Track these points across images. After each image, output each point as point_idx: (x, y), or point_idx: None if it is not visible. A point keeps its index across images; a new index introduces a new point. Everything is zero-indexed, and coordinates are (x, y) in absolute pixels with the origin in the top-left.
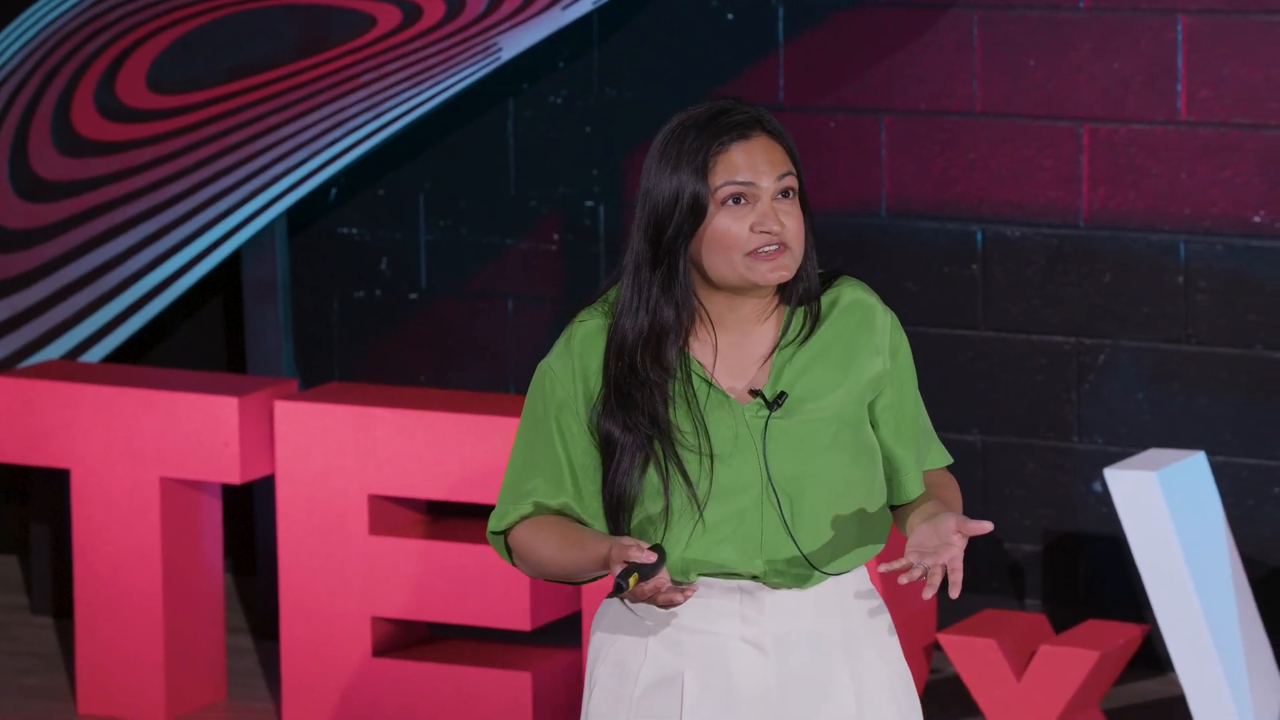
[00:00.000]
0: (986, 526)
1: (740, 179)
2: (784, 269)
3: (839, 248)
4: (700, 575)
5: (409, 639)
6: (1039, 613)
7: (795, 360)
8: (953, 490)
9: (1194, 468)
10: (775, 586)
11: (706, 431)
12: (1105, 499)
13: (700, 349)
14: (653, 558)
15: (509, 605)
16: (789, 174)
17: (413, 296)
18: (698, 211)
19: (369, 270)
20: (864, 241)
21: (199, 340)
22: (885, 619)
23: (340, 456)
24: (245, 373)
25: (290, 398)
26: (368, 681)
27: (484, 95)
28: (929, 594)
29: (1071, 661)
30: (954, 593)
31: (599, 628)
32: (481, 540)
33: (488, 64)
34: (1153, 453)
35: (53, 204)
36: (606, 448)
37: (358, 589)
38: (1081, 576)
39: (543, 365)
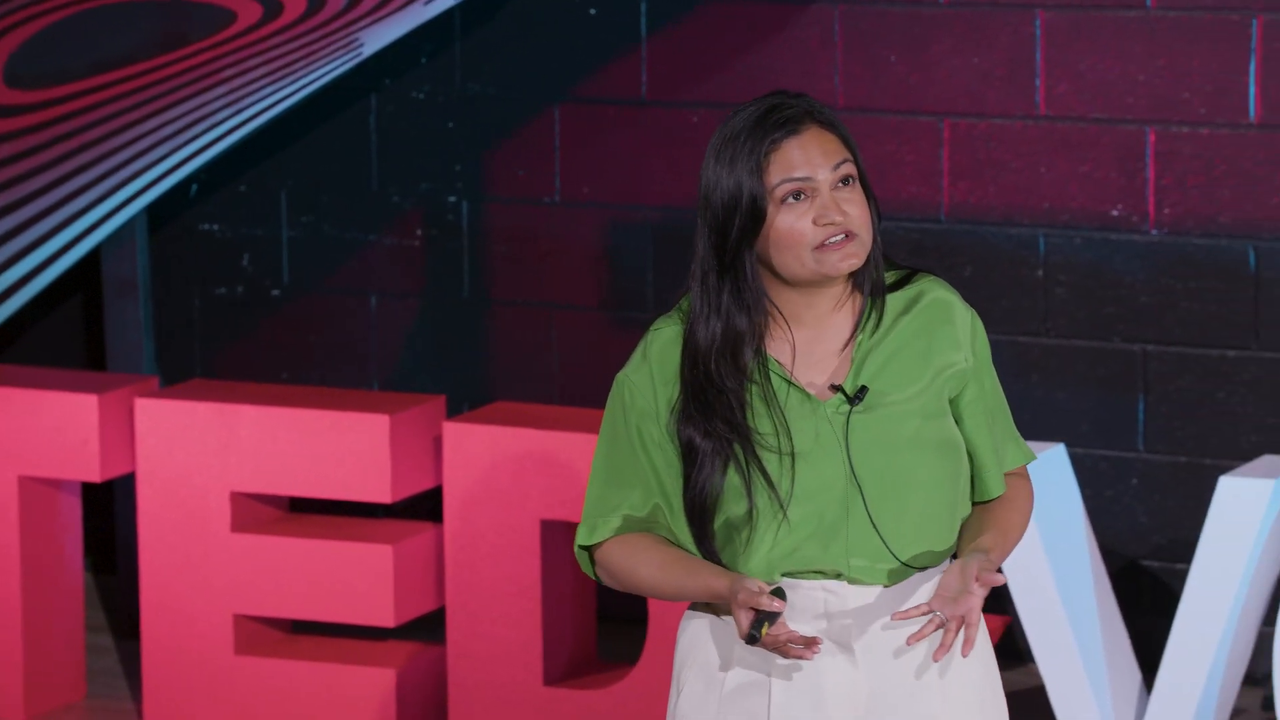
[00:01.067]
0: (999, 580)
1: (797, 175)
2: (854, 256)
3: None
4: (784, 574)
5: (271, 637)
6: None
7: (875, 354)
8: (1016, 506)
9: (1053, 460)
10: (860, 584)
11: (788, 431)
12: None
13: (777, 348)
14: (782, 607)
15: (372, 602)
16: (846, 162)
17: (275, 293)
18: (757, 213)
19: (230, 267)
20: None
21: (58, 337)
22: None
23: (202, 454)
24: (105, 370)
25: (151, 395)
26: (230, 680)
27: (346, 91)
28: (940, 655)
29: None
30: (965, 651)
31: (685, 634)
32: (345, 536)
33: (349, 59)
34: None
35: None
36: (688, 454)
37: (219, 587)
38: None
39: (620, 377)
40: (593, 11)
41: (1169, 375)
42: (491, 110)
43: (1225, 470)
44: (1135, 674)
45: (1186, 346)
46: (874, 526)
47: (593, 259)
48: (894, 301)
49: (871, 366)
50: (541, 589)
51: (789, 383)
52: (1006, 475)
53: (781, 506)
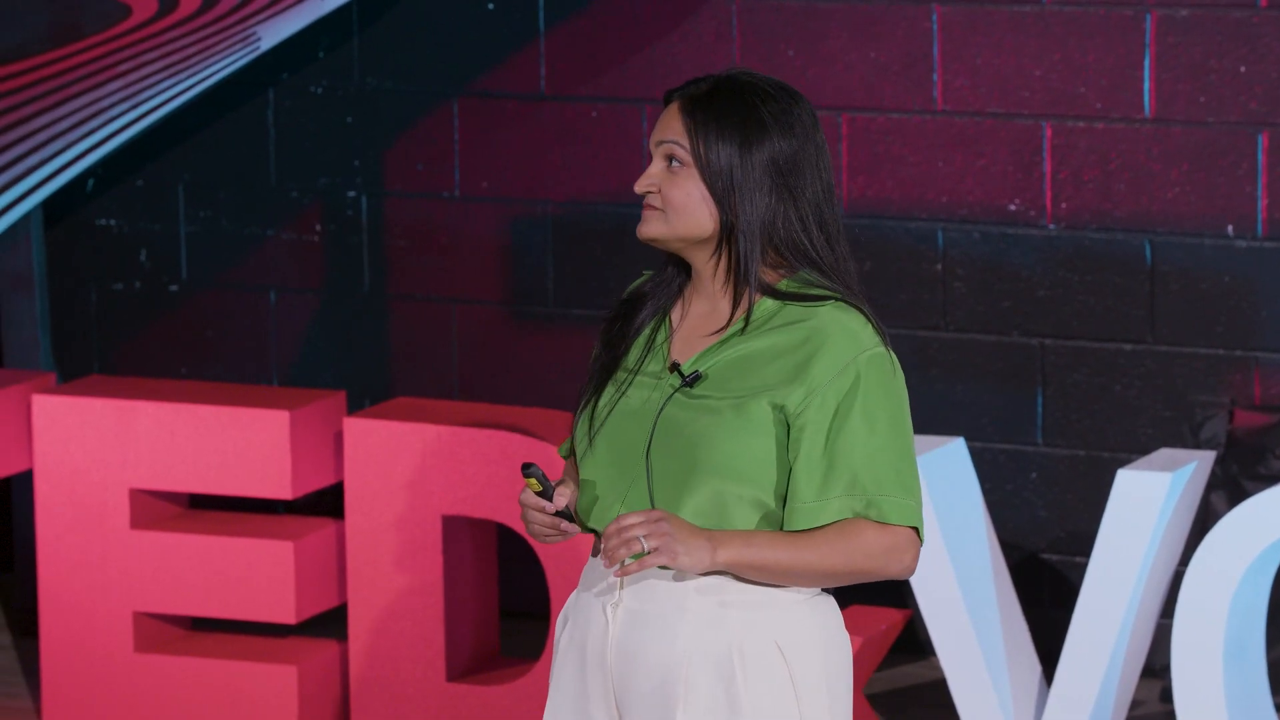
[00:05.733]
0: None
1: (651, 138)
2: (643, 223)
3: (600, 237)
4: (592, 530)
5: (172, 634)
6: None
7: (730, 350)
8: (829, 541)
9: (953, 454)
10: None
11: (633, 381)
12: None
13: (679, 311)
14: (531, 483)
15: (273, 598)
16: (672, 144)
17: (173, 288)
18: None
19: (128, 262)
20: (625, 230)
21: None
22: (792, 640)
23: (100, 450)
24: (1, 366)
25: (48, 391)
26: (130, 678)
27: (243, 85)
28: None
29: None
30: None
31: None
32: (245, 533)
33: (247, 54)
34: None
35: None
36: (590, 365)
37: (119, 584)
38: None
39: None
40: (491, 6)
41: (1066, 369)
42: (390, 105)
43: (1123, 463)
44: (1035, 666)
45: (1084, 340)
46: (650, 498)
47: (492, 253)
48: (786, 311)
49: (718, 359)
50: (444, 585)
51: (662, 346)
52: (864, 522)
53: (590, 429)
